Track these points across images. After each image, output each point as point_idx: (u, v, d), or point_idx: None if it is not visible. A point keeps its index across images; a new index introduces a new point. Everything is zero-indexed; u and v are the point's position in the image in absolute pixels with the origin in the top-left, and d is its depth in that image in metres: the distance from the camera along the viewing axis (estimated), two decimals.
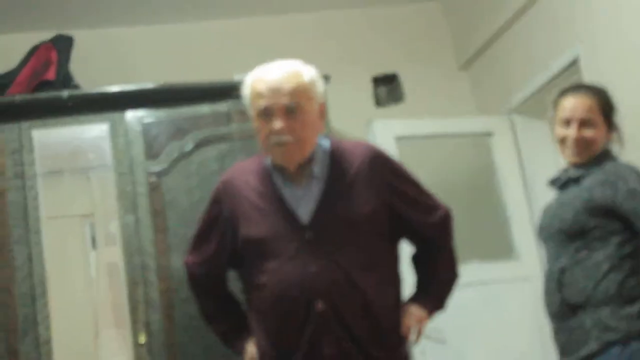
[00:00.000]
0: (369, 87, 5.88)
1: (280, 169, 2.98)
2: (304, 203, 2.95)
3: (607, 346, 3.04)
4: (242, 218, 2.99)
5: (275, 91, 2.89)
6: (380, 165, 3.03)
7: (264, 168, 3.03)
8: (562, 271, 3.21)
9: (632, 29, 4.13)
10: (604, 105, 3.38)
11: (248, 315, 3.09)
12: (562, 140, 3.36)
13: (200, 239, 3.17)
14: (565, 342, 3.21)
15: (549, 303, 3.29)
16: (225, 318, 3.23)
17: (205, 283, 3.22)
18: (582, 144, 3.30)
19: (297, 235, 2.90)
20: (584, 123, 3.31)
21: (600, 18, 4.41)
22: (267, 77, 2.95)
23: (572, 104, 3.37)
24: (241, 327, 3.13)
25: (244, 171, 3.09)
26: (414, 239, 3.14)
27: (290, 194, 2.96)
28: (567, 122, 3.34)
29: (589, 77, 4.50)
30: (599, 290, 3.10)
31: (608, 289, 3.09)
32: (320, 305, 2.82)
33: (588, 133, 3.31)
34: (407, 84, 5.91)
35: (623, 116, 4.07)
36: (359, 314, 2.86)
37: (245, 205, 3.00)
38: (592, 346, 3.07)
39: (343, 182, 2.97)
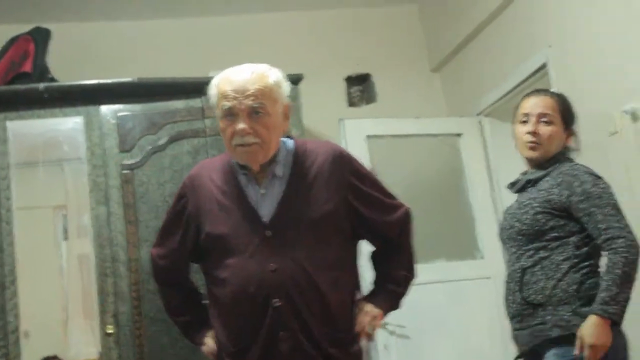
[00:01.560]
0: (342, 87, 5.89)
1: (244, 168, 2.96)
2: (266, 202, 2.95)
3: (567, 338, 3.04)
4: (206, 214, 2.99)
5: (240, 92, 2.85)
6: (342, 165, 3.01)
7: (229, 166, 3.02)
8: (523, 271, 3.21)
9: (601, 34, 4.15)
10: (564, 109, 3.37)
11: (209, 309, 3.08)
12: (520, 137, 3.35)
13: (166, 231, 3.14)
14: (524, 341, 3.22)
15: (509, 303, 3.28)
16: (186, 310, 3.19)
17: (169, 275, 3.18)
18: (537, 138, 3.29)
19: (257, 233, 2.91)
20: (542, 118, 3.31)
21: (569, 23, 4.42)
22: (232, 78, 2.90)
23: (532, 102, 3.37)
24: (202, 319, 3.12)
25: (210, 168, 3.07)
26: (373, 238, 3.11)
27: (253, 192, 2.96)
28: (526, 119, 3.34)
29: (557, 81, 4.52)
30: (559, 290, 3.10)
31: (568, 289, 3.09)
32: (277, 301, 2.83)
33: (545, 128, 3.30)
34: (380, 84, 5.93)
35: (589, 119, 4.09)
36: (316, 311, 2.87)
37: (210, 202, 3.00)
38: (554, 333, 3.07)
39: (304, 182, 2.96)
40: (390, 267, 3.11)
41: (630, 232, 3.08)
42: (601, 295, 2.99)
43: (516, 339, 3.28)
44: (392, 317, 4.71)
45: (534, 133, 3.29)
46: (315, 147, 3.04)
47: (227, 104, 2.85)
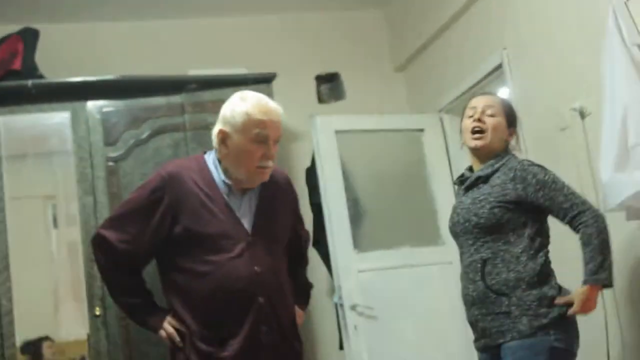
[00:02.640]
0: (312, 85, 5.91)
1: (225, 181, 3.15)
2: (244, 212, 3.16)
3: (536, 330, 3.09)
4: (188, 211, 3.08)
5: (275, 124, 3.11)
6: (292, 191, 3.43)
7: (209, 173, 3.17)
8: (484, 262, 3.23)
9: (553, 37, 4.19)
10: (507, 108, 3.44)
11: (171, 297, 3.15)
12: (466, 128, 3.40)
13: (130, 218, 3.16)
14: (487, 326, 3.22)
15: (469, 292, 3.29)
16: (138, 293, 3.23)
17: (128, 259, 3.17)
18: (482, 126, 3.34)
19: (242, 238, 3.10)
20: (487, 110, 3.36)
21: (523, 27, 4.46)
22: (267, 109, 3.12)
23: (478, 98, 3.46)
24: (152, 304, 3.22)
25: (189, 170, 3.17)
26: (292, 251, 3.40)
27: (234, 202, 3.15)
28: (472, 112, 3.39)
29: (511, 80, 4.58)
30: (520, 280, 3.14)
31: (528, 279, 3.14)
32: (261, 299, 3.05)
33: (489, 119, 3.35)
34: (348, 82, 5.95)
35: (541, 116, 4.18)
36: (284, 310, 3.17)
37: (193, 201, 3.09)
38: (523, 330, 3.10)
39: (271, 201, 3.24)
40: (301, 276, 3.58)
41: (590, 204, 3.18)
42: (588, 266, 3.08)
43: (476, 323, 3.28)
44: (362, 299, 4.83)
45: (479, 120, 3.34)
46: (274, 172, 3.28)
47: (264, 132, 3.07)
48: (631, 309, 3.77)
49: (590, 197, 3.83)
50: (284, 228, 3.29)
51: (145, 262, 3.26)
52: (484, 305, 3.22)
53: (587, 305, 3.08)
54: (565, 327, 3.12)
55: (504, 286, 3.16)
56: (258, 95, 3.18)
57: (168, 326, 3.10)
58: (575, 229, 3.16)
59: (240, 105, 3.10)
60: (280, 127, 3.14)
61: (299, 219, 3.51)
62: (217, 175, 3.16)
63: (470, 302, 3.29)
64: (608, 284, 3.10)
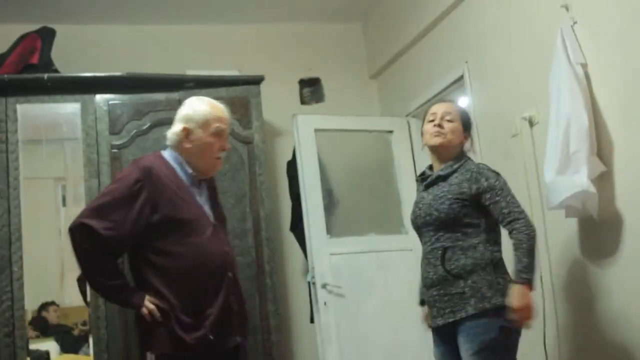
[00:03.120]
0: (295, 88, 5.92)
1: (191, 174, 3.29)
2: (203, 201, 3.33)
3: (482, 313, 3.11)
4: (165, 200, 3.17)
5: (226, 119, 3.37)
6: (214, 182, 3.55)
7: (172, 168, 3.28)
8: (445, 250, 3.24)
9: (508, 53, 4.22)
10: (463, 114, 3.47)
11: (150, 278, 3.16)
12: (427, 131, 3.42)
13: (112, 208, 3.15)
14: (442, 306, 3.23)
15: (430, 275, 3.29)
16: (119, 276, 3.23)
17: (112, 244, 3.15)
18: (442, 129, 3.36)
19: (209, 223, 3.26)
20: (446, 116, 3.38)
21: (483, 43, 4.49)
22: (219, 106, 3.39)
23: (438, 105, 3.49)
24: (129, 284, 3.23)
25: (159, 166, 3.25)
26: None
27: (196, 192, 3.31)
28: (433, 118, 3.42)
29: (471, 90, 4.61)
30: (476, 265, 3.17)
31: (483, 265, 3.17)
32: (230, 274, 3.24)
33: (448, 124, 3.38)
34: (328, 87, 5.96)
35: (495, 123, 4.21)
36: (240, 283, 3.37)
37: (168, 192, 3.19)
38: (469, 310, 3.13)
39: (214, 191, 3.47)
40: None
41: (526, 215, 3.21)
42: (517, 267, 3.10)
43: (434, 303, 3.28)
44: (332, 279, 4.86)
45: (439, 125, 3.36)
46: None
47: (221, 126, 3.31)
48: (566, 294, 3.81)
49: (536, 196, 3.91)
50: (224, 214, 3.55)
51: (127, 247, 3.24)
52: (442, 287, 3.23)
53: (521, 301, 3.07)
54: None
55: (462, 270, 3.18)
56: (210, 99, 3.45)
57: (149, 303, 3.11)
58: (509, 233, 3.19)
59: (201, 105, 3.32)
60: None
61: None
62: (180, 169, 3.28)
63: (430, 284, 3.30)
64: (531, 283, 3.10)
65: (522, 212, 3.21)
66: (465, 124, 3.45)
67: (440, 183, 3.36)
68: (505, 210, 3.19)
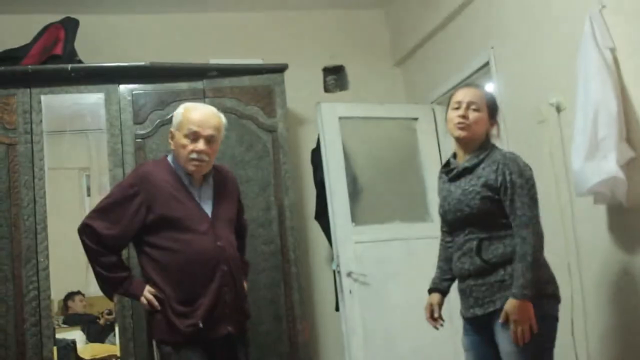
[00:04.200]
0: (320, 76, 5.89)
1: (188, 174, 3.47)
2: (204, 199, 3.50)
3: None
4: (159, 202, 3.39)
5: (204, 123, 3.44)
6: (236, 186, 3.74)
7: (172, 170, 3.48)
8: (480, 241, 3.15)
9: (534, 38, 4.17)
10: (489, 101, 3.33)
11: (149, 270, 3.42)
12: (451, 120, 3.30)
13: (111, 210, 3.43)
14: (480, 296, 3.15)
15: (465, 265, 3.20)
16: (123, 269, 3.49)
17: (113, 242, 3.43)
18: (467, 121, 3.24)
19: (205, 220, 3.44)
20: (471, 106, 3.26)
21: (508, 29, 4.44)
22: (199, 110, 3.51)
23: (464, 92, 3.32)
24: (132, 276, 3.50)
25: (157, 170, 3.49)
26: (237, 237, 3.66)
27: (195, 192, 3.48)
28: (457, 105, 3.29)
29: (496, 76, 4.55)
30: (515, 252, 3.06)
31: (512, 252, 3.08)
32: (224, 267, 3.39)
33: (473, 114, 3.25)
34: (352, 74, 5.93)
35: (521, 110, 4.16)
36: (239, 273, 3.51)
37: (164, 194, 3.41)
38: (509, 296, 3.02)
39: (223, 191, 3.59)
40: (242, 256, 3.74)
41: (538, 222, 3.07)
42: (519, 282, 2.97)
43: (470, 293, 3.19)
44: (357, 267, 4.84)
45: (463, 116, 3.24)
46: (222, 168, 3.71)
47: (193, 128, 3.41)
48: (594, 282, 3.77)
49: (563, 183, 3.86)
50: (233, 213, 3.62)
51: (126, 244, 3.58)
52: (480, 276, 3.15)
53: (521, 316, 2.98)
54: (550, 297, 3.09)
55: (501, 259, 3.09)
56: (197, 104, 3.68)
57: (147, 293, 3.37)
58: (515, 237, 3.07)
59: (180, 110, 3.52)
60: (213, 129, 3.45)
61: (241, 208, 3.79)
62: (179, 170, 3.48)
63: (466, 275, 3.21)
64: (531, 299, 2.98)
65: (535, 217, 3.08)
66: (492, 110, 3.33)
67: (467, 175, 3.25)
68: (519, 212, 3.07)
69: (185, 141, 3.41)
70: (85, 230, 3.42)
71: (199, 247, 3.36)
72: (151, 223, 3.38)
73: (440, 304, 3.46)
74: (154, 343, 3.40)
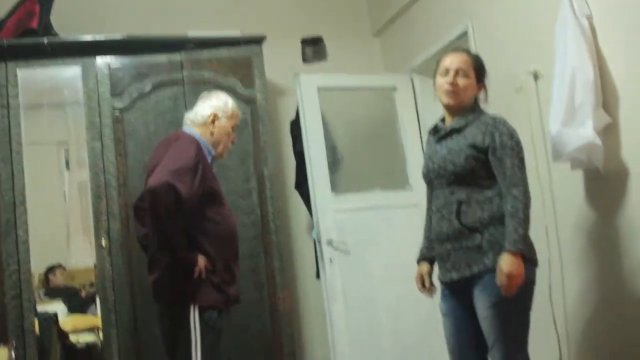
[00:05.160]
0: (298, 47, 5.84)
1: (214, 154, 3.75)
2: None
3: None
4: (209, 175, 3.60)
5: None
6: None
7: (205, 151, 3.67)
8: (459, 203, 3.15)
9: (512, 8, 4.17)
10: (477, 65, 3.32)
11: (202, 238, 3.53)
12: (440, 87, 3.29)
13: (186, 174, 3.44)
14: (457, 260, 3.16)
15: (443, 229, 3.21)
16: (184, 236, 3.48)
17: (185, 205, 3.39)
18: (455, 88, 3.24)
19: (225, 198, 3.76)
20: (458, 72, 3.25)
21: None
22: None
23: (451, 58, 3.31)
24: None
25: (201, 147, 3.66)
26: None
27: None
28: (446, 72, 3.28)
29: (475, 45, 4.52)
30: (493, 218, 3.08)
31: (500, 217, 3.07)
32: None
33: (461, 80, 3.25)
34: (330, 45, 5.88)
35: (499, 78, 4.16)
36: None
37: (209, 169, 3.64)
38: (487, 264, 3.04)
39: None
40: None
41: (526, 183, 3.09)
42: (512, 236, 2.98)
43: (448, 257, 3.20)
44: (337, 236, 4.86)
45: (452, 84, 3.23)
46: None
47: (238, 124, 3.90)
48: (571, 246, 3.80)
49: (541, 150, 3.88)
50: None
51: (193, 210, 3.48)
52: (457, 241, 3.15)
53: (515, 269, 2.97)
54: (528, 261, 3.06)
55: (479, 224, 3.10)
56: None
57: (202, 260, 3.47)
58: (505, 197, 3.07)
59: (231, 102, 3.85)
60: None
61: None
62: (204, 148, 3.67)
63: (444, 238, 3.21)
64: (525, 253, 2.99)
65: (524, 179, 3.09)
66: (479, 75, 3.32)
67: (454, 136, 3.25)
68: (509, 172, 3.07)
69: (230, 130, 3.80)
70: (167, 190, 3.33)
71: (232, 221, 3.69)
72: (204, 194, 3.51)
73: (430, 273, 3.46)
74: (195, 309, 3.45)
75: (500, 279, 2.98)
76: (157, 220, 3.41)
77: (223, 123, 3.76)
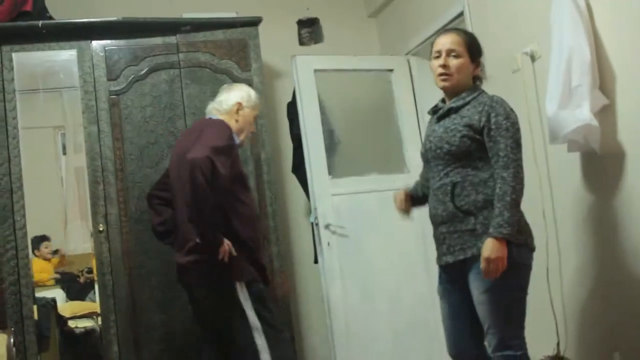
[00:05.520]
0: (294, 29, 5.83)
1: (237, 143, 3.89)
2: None
3: None
4: (238, 159, 3.85)
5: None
6: None
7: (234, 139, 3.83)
8: (454, 185, 3.14)
9: None
10: (470, 44, 3.28)
11: (233, 217, 3.72)
12: (434, 70, 3.27)
13: (221, 152, 3.62)
14: (452, 243, 3.15)
15: (439, 212, 3.20)
16: (217, 215, 3.65)
17: (223, 185, 3.61)
18: (447, 70, 3.21)
19: None
20: (451, 53, 3.23)
21: None
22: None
23: (443, 40, 3.28)
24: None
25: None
26: None
27: None
28: (438, 54, 3.26)
29: (471, 26, 4.50)
30: (487, 201, 3.07)
31: (493, 201, 3.04)
32: None
33: (453, 61, 3.22)
34: (326, 27, 5.86)
35: (496, 59, 4.15)
36: None
37: (238, 153, 3.87)
38: (481, 247, 3.01)
39: None
40: None
41: (520, 166, 3.06)
42: (496, 220, 2.97)
43: (443, 240, 3.20)
44: (335, 220, 4.86)
45: (444, 66, 3.21)
46: None
47: (258, 115, 4.16)
48: (568, 228, 3.80)
49: (537, 132, 3.88)
50: None
51: (226, 189, 3.66)
52: (452, 224, 3.14)
53: (495, 253, 2.96)
54: (524, 246, 3.08)
55: (473, 207, 3.09)
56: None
57: (227, 241, 3.62)
58: (496, 178, 3.06)
59: (254, 93, 4.08)
60: None
61: None
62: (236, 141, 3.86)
63: (440, 221, 3.20)
64: (510, 238, 2.98)
65: (517, 160, 3.07)
66: (473, 53, 3.28)
67: (452, 115, 3.24)
68: (502, 153, 3.05)
69: (252, 121, 4.03)
70: (206, 163, 3.50)
71: (255, 205, 4.05)
72: (234, 176, 3.70)
73: (407, 200, 3.52)
74: (242, 285, 3.67)
75: (482, 266, 2.98)
76: (194, 191, 3.50)
77: (247, 112, 3.97)
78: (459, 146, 3.14)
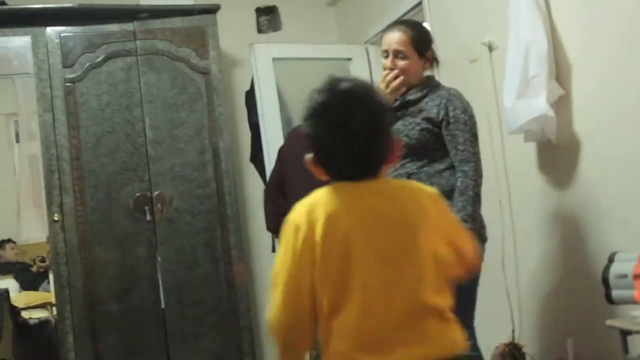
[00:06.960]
0: (252, 17, 5.83)
1: None
2: None
3: None
4: None
5: None
6: None
7: None
8: (409, 176, 3.14)
9: None
10: (416, 40, 3.26)
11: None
12: (382, 75, 3.27)
13: None
14: None
15: None
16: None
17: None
18: (396, 74, 3.20)
19: None
20: (397, 54, 3.23)
21: None
22: None
23: (388, 38, 3.27)
24: None
25: None
26: None
27: None
28: (386, 54, 3.27)
29: (430, 16, 4.54)
30: (443, 192, 2.83)
31: (449, 191, 3.06)
32: None
33: (401, 62, 3.23)
34: (285, 15, 5.87)
35: (454, 49, 4.20)
36: None
37: None
38: None
39: None
40: None
41: (479, 159, 3.10)
42: (460, 214, 2.97)
43: None
44: None
45: (391, 69, 3.22)
46: None
47: None
48: (524, 218, 3.86)
49: (495, 122, 3.93)
50: None
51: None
52: None
53: None
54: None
55: None
56: None
57: None
58: (457, 173, 3.10)
59: None
60: None
61: None
62: None
63: None
64: (475, 233, 2.93)
65: (476, 154, 3.11)
66: (421, 49, 3.28)
67: (409, 108, 3.24)
68: (461, 147, 3.09)
69: None
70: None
71: None
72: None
73: None
74: None
75: None
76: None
77: None
78: (418, 139, 3.16)
